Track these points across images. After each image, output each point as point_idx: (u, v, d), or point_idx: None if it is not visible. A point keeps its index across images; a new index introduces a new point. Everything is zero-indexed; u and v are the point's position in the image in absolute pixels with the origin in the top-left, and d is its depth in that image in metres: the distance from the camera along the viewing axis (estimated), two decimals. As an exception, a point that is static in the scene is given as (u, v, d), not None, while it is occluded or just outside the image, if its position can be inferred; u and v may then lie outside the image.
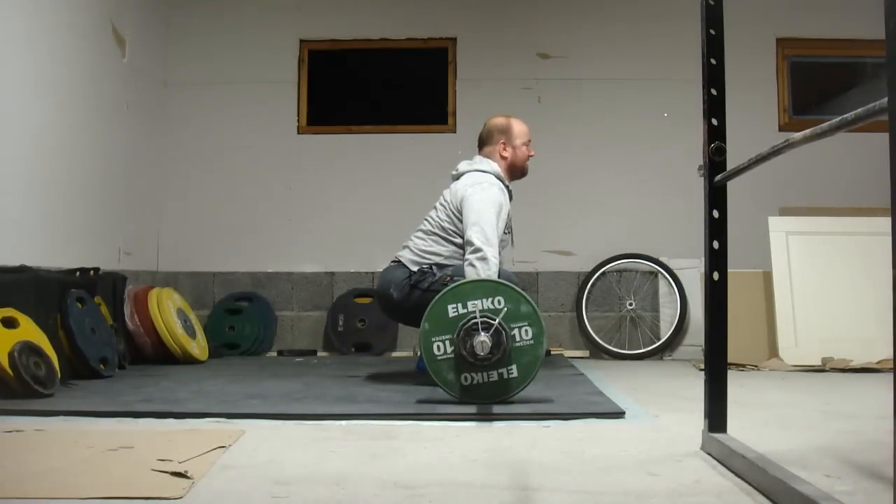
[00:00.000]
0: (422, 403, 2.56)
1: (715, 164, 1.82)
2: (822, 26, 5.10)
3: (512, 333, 2.53)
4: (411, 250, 3.36)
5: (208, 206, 5.20)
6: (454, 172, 3.48)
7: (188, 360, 4.09)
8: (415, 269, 3.28)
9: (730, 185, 1.81)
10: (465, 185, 3.31)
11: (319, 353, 4.95)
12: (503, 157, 3.46)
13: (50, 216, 3.81)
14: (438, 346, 2.56)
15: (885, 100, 0.95)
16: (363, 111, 5.39)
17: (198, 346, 4.24)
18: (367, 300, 4.96)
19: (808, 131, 1.27)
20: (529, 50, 5.21)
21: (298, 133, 5.26)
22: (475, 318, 2.51)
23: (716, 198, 1.82)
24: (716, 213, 1.82)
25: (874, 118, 1.04)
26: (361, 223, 5.15)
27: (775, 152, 1.44)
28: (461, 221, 3.27)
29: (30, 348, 2.81)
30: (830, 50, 5.17)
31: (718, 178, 1.79)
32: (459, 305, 2.56)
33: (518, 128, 3.50)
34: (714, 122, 1.83)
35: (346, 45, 5.33)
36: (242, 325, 4.91)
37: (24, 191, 3.61)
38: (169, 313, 4.07)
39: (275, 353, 4.94)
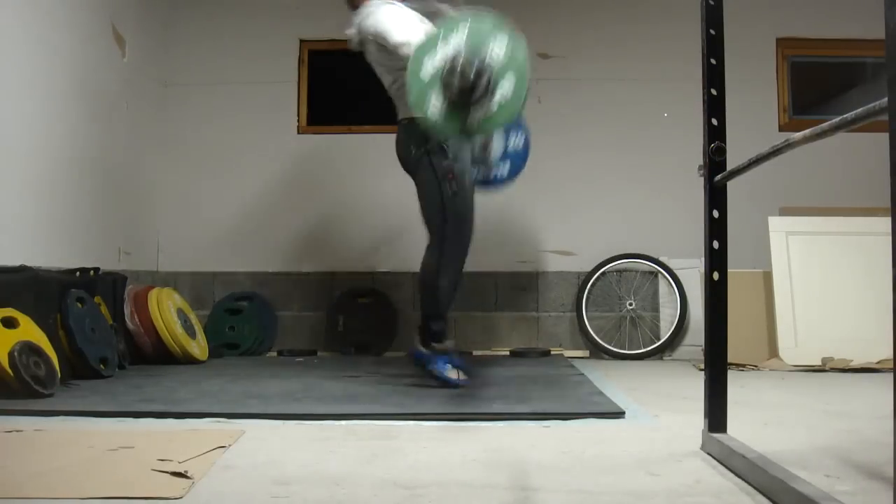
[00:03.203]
0: (422, 403, 2.56)
1: (715, 164, 1.82)
2: (822, 26, 5.10)
3: (485, 57, 2.63)
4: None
5: (208, 205, 5.20)
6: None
7: (188, 360, 4.09)
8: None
9: (730, 185, 1.81)
10: (360, 26, 3.42)
11: (319, 353, 4.95)
12: None
13: (50, 216, 3.81)
14: (434, 104, 2.59)
15: (885, 100, 0.95)
16: (363, 111, 5.38)
17: (198, 346, 4.24)
18: (367, 300, 4.96)
19: (808, 131, 1.27)
20: (529, 49, 5.19)
21: (298, 133, 5.26)
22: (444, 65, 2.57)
23: (716, 198, 1.83)
24: (716, 213, 1.82)
25: (874, 118, 1.04)
26: (361, 223, 5.14)
27: (775, 152, 1.44)
28: (390, 59, 3.29)
29: (30, 348, 2.81)
30: (830, 50, 5.16)
31: (718, 178, 1.79)
32: (427, 59, 2.63)
33: None
34: (714, 122, 1.83)
35: (346, 45, 5.31)
36: (242, 325, 4.90)
37: (24, 191, 3.61)
38: (169, 313, 4.07)
39: (275, 353, 4.94)
